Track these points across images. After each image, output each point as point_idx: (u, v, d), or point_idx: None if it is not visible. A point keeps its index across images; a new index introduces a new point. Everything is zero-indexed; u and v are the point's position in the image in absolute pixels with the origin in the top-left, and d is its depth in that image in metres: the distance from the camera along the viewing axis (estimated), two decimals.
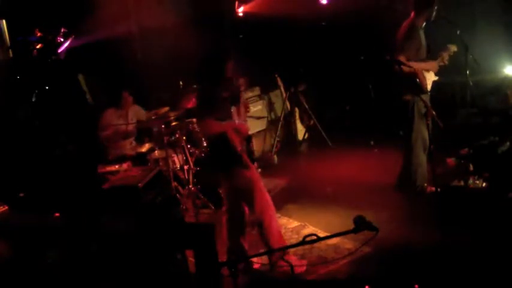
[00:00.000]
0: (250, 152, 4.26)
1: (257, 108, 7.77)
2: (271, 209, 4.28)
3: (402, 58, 5.02)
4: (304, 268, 4.20)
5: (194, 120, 6.24)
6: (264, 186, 4.32)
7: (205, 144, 6.21)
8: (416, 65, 5.07)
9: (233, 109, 4.19)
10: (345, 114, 8.24)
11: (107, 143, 6.13)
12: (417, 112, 5.19)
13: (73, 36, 6.20)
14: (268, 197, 4.28)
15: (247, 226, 4.39)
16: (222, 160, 4.23)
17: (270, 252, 4.22)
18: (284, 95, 7.99)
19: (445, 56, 5.29)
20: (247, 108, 4.50)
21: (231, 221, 4.38)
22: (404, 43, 5.13)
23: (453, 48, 5.31)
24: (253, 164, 4.26)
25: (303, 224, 5.23)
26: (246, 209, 4.32)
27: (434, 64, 5.25)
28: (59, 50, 6.07)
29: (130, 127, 6.25)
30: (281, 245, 4.13)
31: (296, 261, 4.23)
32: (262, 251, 4.27)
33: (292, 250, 4.42)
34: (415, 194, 5.33)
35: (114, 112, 6.19)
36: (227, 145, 4.11)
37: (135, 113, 6.34)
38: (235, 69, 4.24)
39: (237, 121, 4.20)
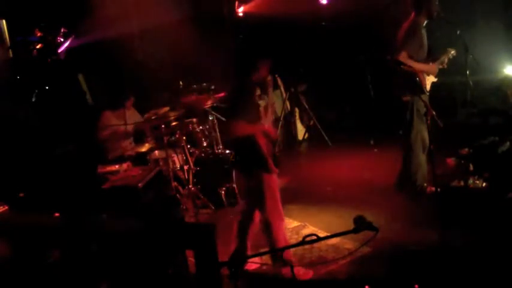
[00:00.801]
0: (275, 157, 4.23)
1: None
2: (281, 218, 4.23)
3: (403, 55, 5.02)
4: (310, 276, 4.18)
5: (194, 120, 6.25)
6: (279, 195, 4.30)
7: (204, 144, 6.22)
8: (416, 66, 5.06)
9: (262, 111, 4.15)
10: (345, 114, 8.25)
11: (106, 143, 6.13)
12: (417, 112, 5.19)
13: (73, 36, 6.21)
14: (280, 206, 4.24)
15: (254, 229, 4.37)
16: (247, 161, 4.20)
17: (269, 252, 4.22)
18: (284, 95, 7.99)
19: (445, 59, 5.29)
20: (273, 110, 4.45)
21: (242, 222, 4.38)
22: (406, 40, 5.12)
23: (452, 51, 5.32)
24: (277, 168, 4.22)
25: (303, 224, 5.23)
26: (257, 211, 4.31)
27: (434, 68, 5.24)
28: (59, 50, 6.07)
29: (130, 127, 6.25)
30: (286, 255, 4.11)
31: (302, 270, 4.21)
32: (262, 250, 4.27)
33: (296, 257, 4.41)
34: (415, 194, 5.33)
35: (112, 114, 6.20)
36: (254, 148, 4.08)
37: (133, 114, 6.35)
38: (267, 70, 4.18)
39: (266, 124, 4.17)
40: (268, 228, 4.17)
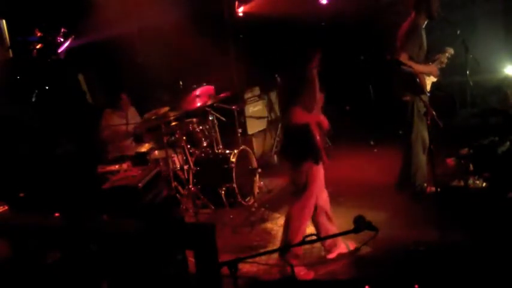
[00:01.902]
0: (326, 148, 4.22)
1: (257, 108, 7.77)
2: (308, 218, 4.26)
3: (404, 57, 5.02)
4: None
5: (194, 120, 6.25)
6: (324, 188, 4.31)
7: (204, 144, 6.22)
8: (417, 67, 5.06)
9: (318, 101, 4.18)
10: (345, 114, 8.24)
11: (107, 143, 6.13)
12: (417, 112, 5.19)
13: (73, 36, 6.20)
14: (312, 205, 4.24)
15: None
16: (298, 152, 4.19)
17: (269, 252, 4.23)
18: None
19: (443, 58, 5.29)
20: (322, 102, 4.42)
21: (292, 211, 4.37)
22: (406, 41, 5.13)
23: (450, 51, 5.32)
24: (329, 159, 4.19)
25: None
26: (324, 197, 4.34)
27: (435, 69, 5.24)
28: (59, 50, 6.07)
29: (130, 127, 6.26)
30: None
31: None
32: (262, 251, 4.27)
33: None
34: (415, 194, 5.33)
35: (113, 113, 6.20)
36: (309, 137, 4.06)
37: (133, 113, 6.36)
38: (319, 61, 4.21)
39: (320, 115, 4.19)
40: (289, 222, 4.19)
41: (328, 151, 4.20)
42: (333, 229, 4.36)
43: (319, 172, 4.23)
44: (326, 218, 4.39)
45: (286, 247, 4.10)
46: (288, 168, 4.34)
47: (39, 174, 5.08)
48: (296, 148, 4.20)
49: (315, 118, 4.13)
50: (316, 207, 4.31)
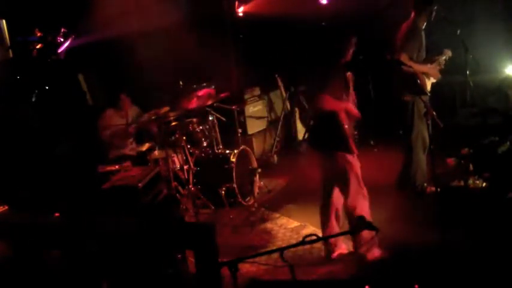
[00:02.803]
0: (354, 138, 4.24)
1: (257, 108, 7.77)
2: (365, 202, 4.25)
3: (404, 57, 5.02)
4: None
5: (194, 120, 6.25)
6: (361, 177, 4.28)
7: (204, 144, 6.22)
8: (416, 67, 5.06)
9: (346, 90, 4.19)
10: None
11: (107, 143, 6.13)
12: (417, 112, 5.19)
13: (73, 36, 6.20)
14: (363, 187, 4.25)
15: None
16: (328, 139, 4.19)
17: (269, 252, 4.21)
18: (284, 95, 7.98)
19: (441, 60, 5.29)
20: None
21: (323, 207, 4.40)
22: (406, 43, 5.13)
23: (449, 53, 5.33)
24: (358, 150, 4.20)
25: (303, 224, 5.23)
26: (340, 195, 4.32)
27: (434, 70, 5.24)
28: (59, 50, 6.07)
29: (130, 127, 6.25)
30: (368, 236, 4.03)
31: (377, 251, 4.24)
32: (262, 251, 4.27)
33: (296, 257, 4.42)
34: (415, 194, 5.33)
35: (115, 112, 6.20)
36: (337, 125, 4.08)
37: (135, 113, 6.34)
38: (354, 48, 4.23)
39: (350, 104, 4.19)
40: (353, 211, 4.17)
41: (355, 141, 4.23)
42: (336, 229, 4.37)
43: (355, 161, 4.21)
44: (334, 216, 4.39)
45: (287, 247, 4.09)
46: (319, 157, 4.33)
47: (39, 174, 5.08)
48: (327, 136, 4.21)
49: (344, 105, 4.14)
50: (331, 199, 4.34)
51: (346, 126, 4.11)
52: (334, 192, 4.35)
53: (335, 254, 4.39)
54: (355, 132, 4.35)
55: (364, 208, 4.20)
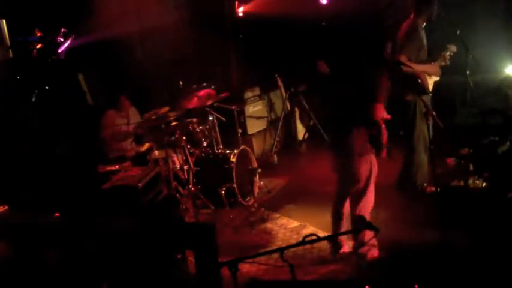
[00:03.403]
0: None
1: (257, 108, 7.77)
2: (371, 206, 4.30)
3: (402, 58, 5.02)
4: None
5: (194, 120, 6.25)
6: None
7: (204, 144, 6.22)
8: (417, 67, 5.06)
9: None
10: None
11: (107, 143, 6.13)
12: (419, 112, 5.19)
13: (73, 36, 6.20)
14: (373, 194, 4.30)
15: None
16: (363, 143, 4.20)
17: (269, 252, 4.21)
18: (284, 95, 7.99)
19: (446, 56, 5.29)
20: None
21: (335, 204, 4.45)
22: (405, 44, 5.13)
23: (453, 48, 5.31)
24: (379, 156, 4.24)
25: (303, 224, 5.23)
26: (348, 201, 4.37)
27: (436, 68, 5.23)
28: (59, 50, 6.06)
29: (131, 127, 6.25)
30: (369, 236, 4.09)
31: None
32: (262, 251, 4.27)
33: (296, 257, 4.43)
34: (415, 194, 5.33)
35: (115, 113, 6.21)
36: (379, 132, 4.10)
37: (134, 114, 6.36)
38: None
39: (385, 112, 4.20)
40: (361, 212, 4.20)
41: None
42: (343, 228, 4.40)
43: (376, 165, 4.27)
44: (345, 220, 4.42)
45: (286, 247, 4.08)
46: (339, 161, 4.34)
47: (39, 174, 5.08)
48: (360, 139, 4.21)
49: (384, 113, 4.17)
50: (345, 204, 4.37)
51: (386, 133, 4.14)
52: (348, 198, 4.38)
53: (339, 252, 4.42)
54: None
55: (368, 211, 4.26)
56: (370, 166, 4.20)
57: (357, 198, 4.27)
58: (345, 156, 4.29)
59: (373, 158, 4.21)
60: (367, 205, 4.24)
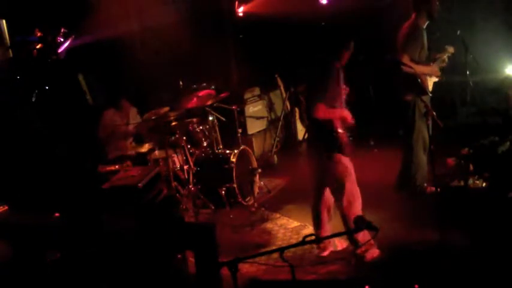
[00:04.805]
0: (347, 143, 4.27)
1: (257, 108, 7.77)
2: (359, 201, 4.30)
3: (405, 58, 5.02)
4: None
5: (194, 120, 6.25)
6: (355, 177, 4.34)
7: (204, 144, 6.22)
8: (417, 68, 5.06)
9: (342, 95, 4.26)
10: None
11: (108, 143, 6.13)
12: (418, 112, 5.18)
13: (73, 36, 6.19)
14: (358, 190, 4.30)
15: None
16: (324, 143, 4.25)
17: (269, 252, 4.21)
18: (284, 95, 7.99)
19: (444, 57, 5.29)
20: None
21: (314, 206, 4.49)
22: (407, 43, 5.13)
23: (451, 49, 5.31)
24: (353, 153, 4.28)
25: (303, 224, 5.23)
26: (329, 195, 4.38)
27: (435, 69, 5.24)
28: (59, 50, 6.06)
29: (131, 127, 6.25)
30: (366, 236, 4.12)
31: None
32: (262, 251, 4.27)
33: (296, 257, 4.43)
34: (415, 194, 5.33)
35: (115, 113, 6.20)
36: (331, 133, 4.16)
37: (135, 114, 6.35)
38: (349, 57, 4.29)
39: (344, 109, 4.25)
40: (348, 211, 4.21)
41: (349, 146, 4.27)
42: (329, 229, 4.41)
43: (349, 163, 4.28)
44: (327, 214, 4.43)
45: (287, 247, 4.08)
46: (316, 161, 4.39)
47: (39, 174, 5.08)
48: (322, 142, 4.27)
49: (339, 113, 4.21)
50: (322, 198, 4.41)
51: (341, 131, 4.18)
52: (325, 193, 4.42)
53: (327, 252, 4.44)
54: (350, 137, 4.37)
55: (358, 207, 4.26)
56: (341, 165, 4.21)
57: (337, 196, 4.30)
58: (317, 154, 4.34)
59: (343, 157, 4.21)
60: (352, 204, 4.22)
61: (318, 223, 4.50)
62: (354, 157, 4.37)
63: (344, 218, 4.26)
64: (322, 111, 4.12)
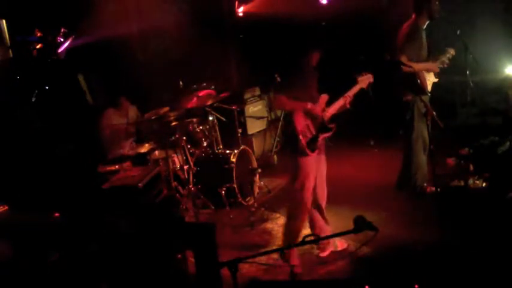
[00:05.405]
0: (314, 138, 4.18)
1: (257, 108, 7.77)
2: (305, 212, 4.32)
3: (403, 58, 5.02)
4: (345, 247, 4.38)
5: (194, 120, 6.25)
6: (323, 178, 4.34)
7: (204, 144, 6.22)
8: (416, 66, 5.07)
9: (310, 93, 4.23)
10: (345, 114, 8.22)
11: (107, 143, 6.12)
12: (417, 112, 5.19)
13: (73, 36, 6.19)
14: (310, 196, 4.27)
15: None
16: (289, 139, 4.23)
17: (269, 252, 4.22)
18: None
19: (444, 59, 5.29)
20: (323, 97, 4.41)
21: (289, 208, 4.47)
22: (406, 43, 5.13)
23: (452, 52, 5.32)
24: (313, 152, 4.17)
25: (308, 220, 5.22)
26: (318, 197, 4.38)
27: (434, 65, 5.24)
28: (59, 50, 6.06)
29: (131, 127, 6.24)
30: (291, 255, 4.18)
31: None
32: (262, 251, 4.27)
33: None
34: (415, 194, 5.33)
35: (115, 112, 6.19)
36: (291, 127, 4.13)
37: (134, 113, 6.34)
38: (318, 63, 4.31)
39: (310, 104, 4.17)
40: (290, 222, 4.27)
41: (314, 141, 4.16)
42: (327, 227, 4.39)
43: (311, 165, 4.20)
44: (320, 216, 4.42)
45: (287, 247, 4.10)
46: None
47: (39, 174, 5.08)
48: (288, 139, 4.27)
49: (301, 105, 4.13)
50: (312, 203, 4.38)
51: (302, 127, 4.10)
52: (313, 192, 4.38)
53: (326, 252, 4.45)
54: (328, 139, 4.30)
55: (302, 221, 4.30)
56: (301, 169, 4.16)
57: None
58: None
59: (301, 159, 4.15)
60: (297, 217, 4.25)
61: (311, 224, 4.49)
62: (325, 160, 4.37)
63: (287, 225, 4.33)
64: (280, 102, 4.13)
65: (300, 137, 4.08)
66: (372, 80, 4.43)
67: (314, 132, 4.17)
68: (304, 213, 4.28)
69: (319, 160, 4.30)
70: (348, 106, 4.38)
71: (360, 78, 4.44)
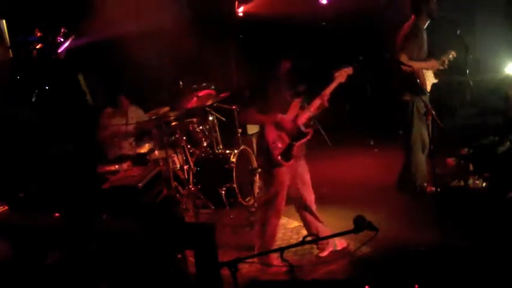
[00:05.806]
0: (288, 148, 4.13)
1: None
2: (278, 216, 4.34)
3: (403, 58, 5.02)
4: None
5: (194, 120, 6.25)
6: (307, 182, 4.34)
7: (204, 144, 6.22)
8: (416, 65, 5.07)
9: (282, 100, 4.20)
10: (345, 114, 8.24)
11: (106, 143, 6.12)
12: (417, 112, 5.19)
13: (73, 36, 6.20)
14: (281, 204, 4.28)
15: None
16: (261, 152, 4.25)
17: (269, 252, 4.23)
18: None
19: (445, 60, 5.29)
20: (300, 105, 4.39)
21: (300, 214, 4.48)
22: (406, 43, 5.13)
23: (453, 53, 5.31)
24: (288, 161, 4.14)
25: (302, 224, 5.22)
26: (307, 199, 4.39)
27: (434, 63, 5.24)
28: (59, 50, 6.06)
29: (130, 127, 6.24)
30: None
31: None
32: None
33: (296, 257, 4.43)
34: (415, 194, 5.33)
35: (113, 112, 6.18)
36: (261, 139, 4.15)
37: (134, 113, 6.33)
38: (289, 70, 4.32)
39: (280, 115, 4.14)
40: (264, 227, 4.28)
41: (289, 151, 4.14)
42: (324, 228, 4.40)
43: (285, 174, 4.19)
44: (314, 217, 4.43)
45: (287, 247, 4.08)
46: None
47: (39, 174, 5.08)
48: (259, 151, 4.30)
49: (272, 118, 4.11)
50: (301, 206, 4.41)
51: (273, 138, 4.08)
52: (305, 202, 4.41)
53: (326, 252, 4.45)
54: (295, 142, 4.23)
55: (274, 225, 4.34)
56: (274, 179, 4.16)
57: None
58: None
59: (281, 170, 4.13)
60: (267, 231, 4.29)
61: (307, 227, 4.50)
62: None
63: (259, 229, 4.36)
64: (247, 116, 4.19)
65: (271, 149, 4.06)
66: (350, 72, 4.32)
67: (288, 141, 4.15)
68: (277, 216, 4.33)
69: (297, 166, 4.27)
70: (326, 105, 4.30)
71: (336, 74, 4.33)
